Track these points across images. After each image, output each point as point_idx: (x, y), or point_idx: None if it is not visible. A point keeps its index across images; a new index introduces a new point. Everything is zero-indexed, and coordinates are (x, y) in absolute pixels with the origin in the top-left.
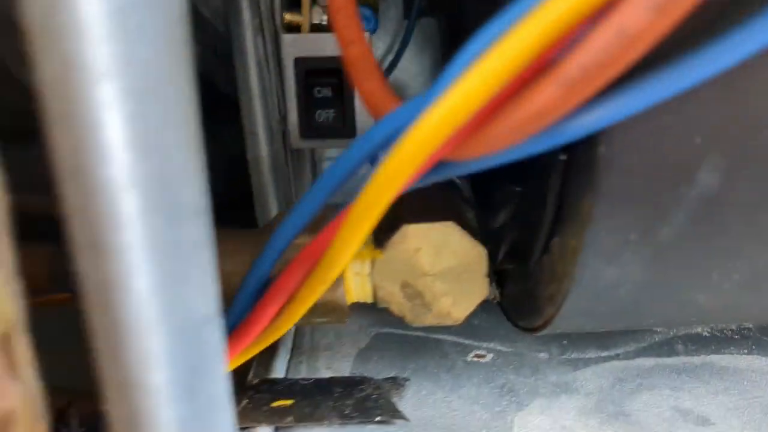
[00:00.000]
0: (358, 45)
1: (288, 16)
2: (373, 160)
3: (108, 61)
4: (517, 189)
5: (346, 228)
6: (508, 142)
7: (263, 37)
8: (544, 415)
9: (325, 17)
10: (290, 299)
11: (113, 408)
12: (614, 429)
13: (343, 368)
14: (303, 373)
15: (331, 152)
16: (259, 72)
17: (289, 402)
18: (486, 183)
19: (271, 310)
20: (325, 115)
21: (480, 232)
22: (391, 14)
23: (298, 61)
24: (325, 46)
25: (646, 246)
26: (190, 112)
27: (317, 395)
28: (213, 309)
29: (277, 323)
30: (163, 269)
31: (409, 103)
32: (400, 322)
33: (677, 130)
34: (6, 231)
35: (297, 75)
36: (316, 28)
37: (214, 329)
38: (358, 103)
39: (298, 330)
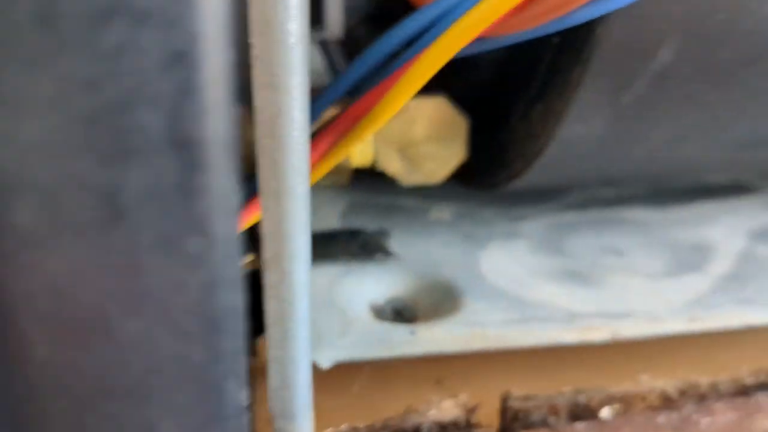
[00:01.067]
0: None
1: None
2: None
3: None
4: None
5: (403, 82)
6: (540, 21)
7: None
8: (502, 252)
9: None
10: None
11: (267, 212)
12: (557, 260)
13: (334, 226)
14: None
15: None
16: None
17: None
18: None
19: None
20: None
21: None
22: None
23: None
24: None
25: (610, 107)
26: None
27: (328, 241)
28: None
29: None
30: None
31: None
32: (363, 190)
33: (653, 17)
34: None
35: None
36: None
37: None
38: None
39: None
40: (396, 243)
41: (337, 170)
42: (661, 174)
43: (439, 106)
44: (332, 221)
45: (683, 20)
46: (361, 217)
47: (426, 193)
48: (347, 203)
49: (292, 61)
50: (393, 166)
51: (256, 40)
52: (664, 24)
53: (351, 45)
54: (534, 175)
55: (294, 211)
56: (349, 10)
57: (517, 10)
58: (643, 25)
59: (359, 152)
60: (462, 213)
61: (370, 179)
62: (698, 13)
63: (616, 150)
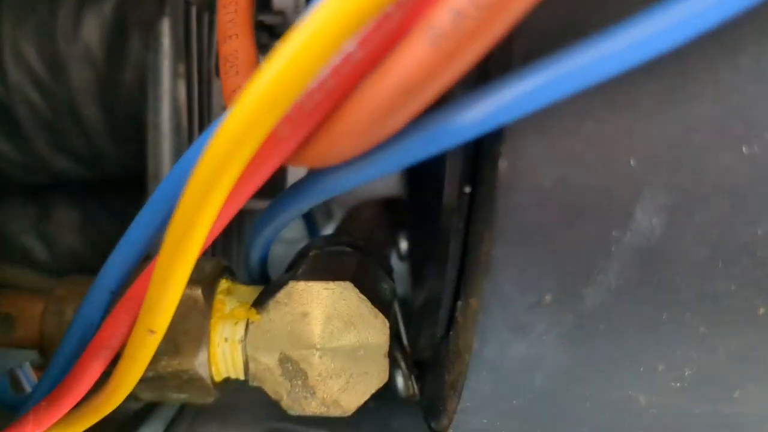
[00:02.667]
0: (240, 40)
1: None
2: None
3: None
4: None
5: (163, 256)
6: (370, 133)
7: (188, 81)
8: None
9: None
10: (121, 357)
11: None
12: None
13: None
14: None
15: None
16: (173, 116)
17: None
18: (422, 264)
19: (93, 367)
20: None
21: (402, 316)
22: None
23: None
24: None
25: (565, 313)
26: None
27: None
28: None
29: (108, 389)
30: None
31: None
32: (303, 416)
33: (604, 145)
34: None
35: None
36: None
37: None
38: None
39: (179, 416)
40: None
41: (190, 381)
42: None
43: (343, 295)
44: None
45: (670, 153)
46: None
47: (389, 429)
48: (265, 430)
49: None
50: (272, 382)
51: None
52: (631, 159)
53: None
54: (471, 419)
55: None
56: None
57: (327, 121)
58: (587, 159)
59: (223, 355)
60: None
61: None
62: (701, 138)
63: (595, 392)
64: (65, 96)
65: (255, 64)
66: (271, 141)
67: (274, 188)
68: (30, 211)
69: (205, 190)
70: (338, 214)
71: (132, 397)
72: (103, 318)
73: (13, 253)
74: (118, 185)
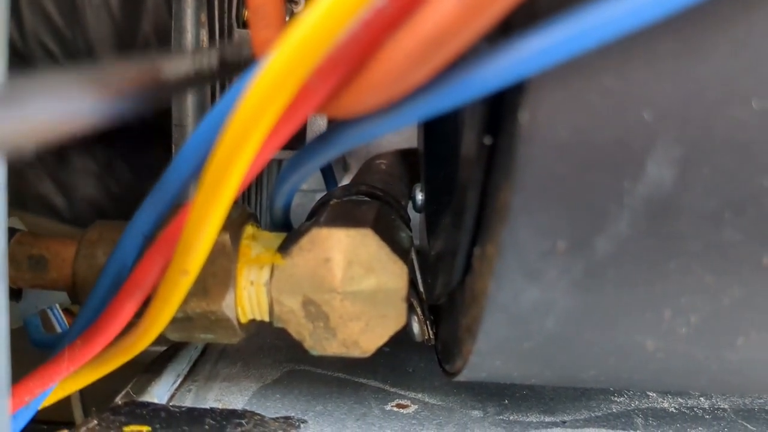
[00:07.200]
0: None
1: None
2: None
3: None
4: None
5: (199, 198)
6: (398, 84)
7: (210, 30)
8: None
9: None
10: (153, 298)
11: None
12: None
13: (236, 402)
14: (188, 402)
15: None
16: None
17: (144, 428)
18: (438, 214)
19: (126, 307)
20: None
21: (420, 265)
22: None
23: None
24: None
25: (577, 260)
26: None
27: (183, 425)
28: None
29: (140, 329)
30: None
31: None
32: (321, 359)
33: (619, 98)
34: None
35: None
36: None
37: None
38: None
39: (202, 357)
40: None
41: (217, 321)
42: (700, 388)
43: (363, 241)
44: (239, 397)
45: (682, 107)
46: (286, 392)
47: (404, 373)
48: (285, 371)
49: None
50: (295, 324)
51: None
52: (644, 112)
53: None
54: (485, 360)
55: None
56: None
57: (355, 73)
58: (603, 112)
59: (250, 298)
60: (436, 407)
61: None
62: (713, 93)
63: (604, 336)
64: (82, 45)
65: (283, 16)
66: (303, 91)
67: (295, 139)
68: (47, 159)
69: (243, 135)
70: (354, 167)
71: (162, 337)
72: (135, 261)
73: (32, 202)
74: (134, 135)
